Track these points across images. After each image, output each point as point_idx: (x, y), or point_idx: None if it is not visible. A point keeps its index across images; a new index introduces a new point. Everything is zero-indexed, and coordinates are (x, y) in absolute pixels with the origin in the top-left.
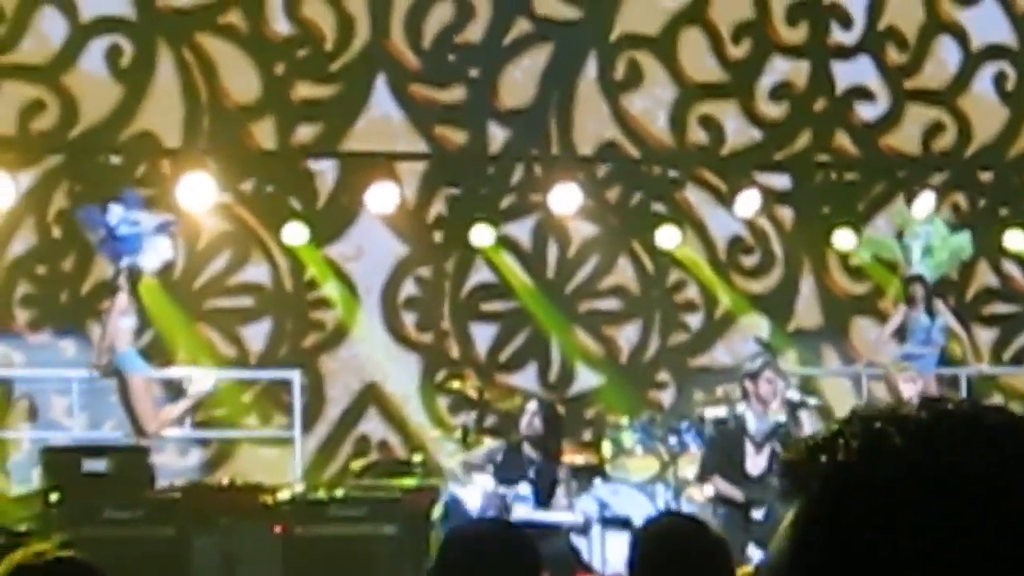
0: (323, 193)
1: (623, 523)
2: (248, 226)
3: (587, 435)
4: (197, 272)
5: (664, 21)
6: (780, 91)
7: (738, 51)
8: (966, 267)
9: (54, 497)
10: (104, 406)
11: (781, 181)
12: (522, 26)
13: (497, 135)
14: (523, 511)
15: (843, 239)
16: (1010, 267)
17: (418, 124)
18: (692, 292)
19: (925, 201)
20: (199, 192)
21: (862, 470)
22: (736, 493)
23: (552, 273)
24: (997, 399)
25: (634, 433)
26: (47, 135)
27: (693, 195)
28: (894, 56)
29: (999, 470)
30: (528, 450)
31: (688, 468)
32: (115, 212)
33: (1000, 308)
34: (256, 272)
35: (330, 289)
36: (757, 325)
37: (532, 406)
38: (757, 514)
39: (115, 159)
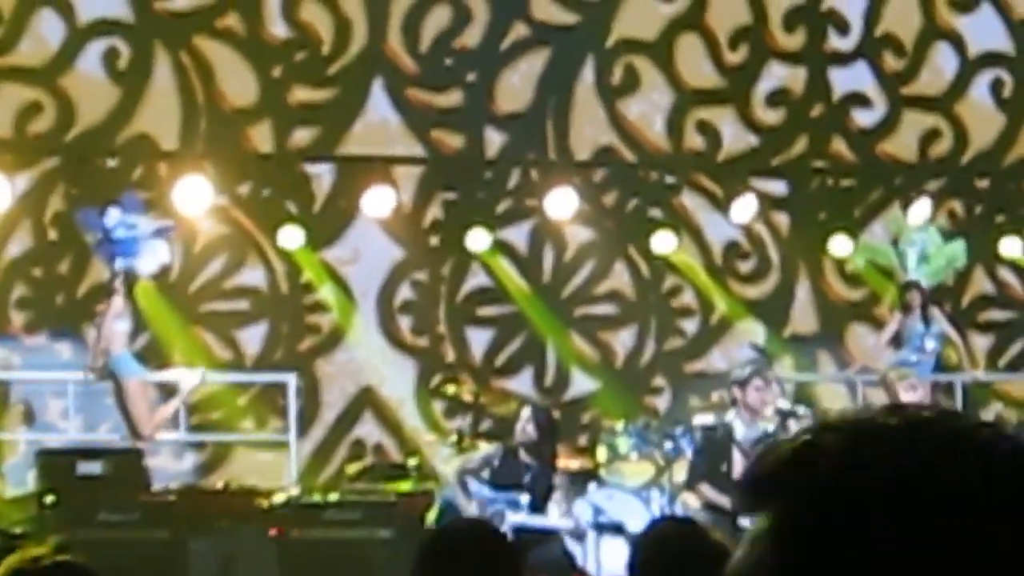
0: (320, 197)
1: (617, 528)
2: (244, 229)
3: (582, 440)
4: (193, 275)
5: (661, 26)
6: (777, 97)
7: (735, 57)
8: (962, 274)
9: (49, 499)
10: (100, 409)
11: (777, 187)
12: (519, 31)
13: (494, 139)
14: (519, 516)
15: (839, 245)
16: (1006, 274)
17: (415, 128)
18: (688, 297)
19: (921, 208)
20: (196, 195)
21: (837, 482)
22: (724, 500)
23: (548, 278)
24: (995, 406)
25: (629, 438)
26: (44, 137)
27: (689, 200)
28: (891, 62)
29: (981, 483)
30: (524, 455)
31: (683, 474)
32: (112, 215)
33: (996, 315)
34: (252, 275)
35: (326, 293)
36: (753, 331)
37: (526, 412)
38: (745, 522)
39: (112, 162)
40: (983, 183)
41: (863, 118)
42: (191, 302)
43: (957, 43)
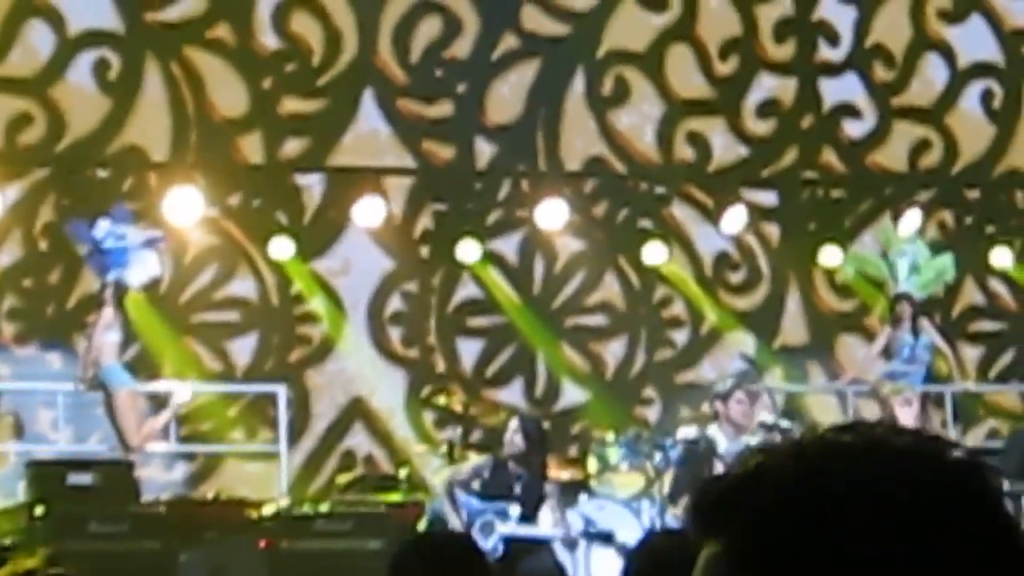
0: (310, 207)
1: (607, 537)
2: (235, 240)
3: (573, 451)
4: (183, 286)
5: (651, 37)
6: (767, 108)
7: (725, 68)
8: (952, 285)
9: (39, 510)
10: (90, 420)
11: (768, 198)
12: (509, 42)
13: (484, 150)
14: (509, 526)
15: (829, 256)
16: (996, 285)
17: (405, 139)
18: (678, 308)
19: (911, 218)
20: (186, 206)
21: (789, 503)
22: None
23: (538, 289)
24: (990, 421)
25: (620, 449)
26: (34, 148)
27: (680, 211)
28: (881, 73)
29: (932, 499)
30: (514, 466)
31: None
32: (102, 226)
33: (986, 325)
34: (242, 286)
35: (316, 303)
36: (743, 342)
37: (513, 423)
38: None
39: (102, 172)
40: (973, 194)
41: (853, 129)
42: (181, 313)
43: (947, 54)
